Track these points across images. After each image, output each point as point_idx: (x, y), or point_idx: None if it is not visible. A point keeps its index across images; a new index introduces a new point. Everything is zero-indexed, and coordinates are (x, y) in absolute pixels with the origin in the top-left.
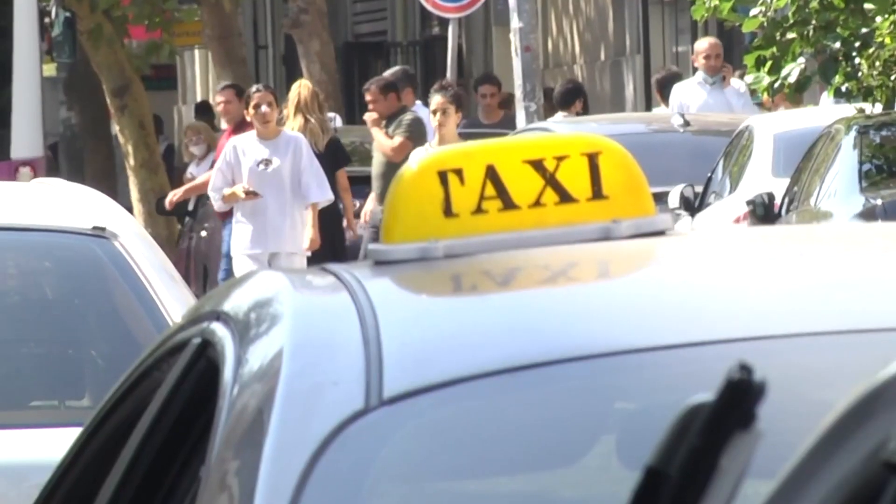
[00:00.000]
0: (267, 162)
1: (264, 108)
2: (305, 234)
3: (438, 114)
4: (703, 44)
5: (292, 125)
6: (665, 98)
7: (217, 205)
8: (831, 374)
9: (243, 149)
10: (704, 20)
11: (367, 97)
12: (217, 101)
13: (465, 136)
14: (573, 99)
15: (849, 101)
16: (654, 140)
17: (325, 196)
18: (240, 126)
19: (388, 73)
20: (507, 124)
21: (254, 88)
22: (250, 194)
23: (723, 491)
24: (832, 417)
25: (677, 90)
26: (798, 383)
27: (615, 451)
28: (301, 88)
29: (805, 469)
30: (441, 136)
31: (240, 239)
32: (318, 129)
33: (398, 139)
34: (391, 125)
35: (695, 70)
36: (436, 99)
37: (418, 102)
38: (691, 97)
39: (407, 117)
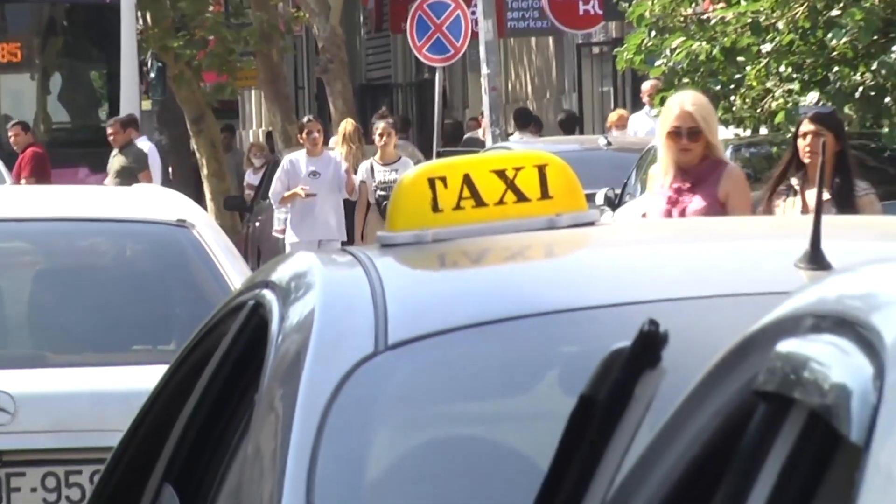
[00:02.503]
0: (315, 173)
1: (315, 134)
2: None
3: (384, 136)
4: (647, 85)
5: (341, 150)
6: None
7: (276, 206)
8: (718, 327)
9: (297, 163)
10: (623, 69)
11: (110, 129)
12: (9, 133)
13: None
14: (528, 122)
15: (726, 128)
16: (586, 155)
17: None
18: (24, 150)
19: (124, 115)
20: (477, 143)
21: (306, 119)
22: (309, 195)
23: (636, 412)
24: (717, 358)
25: (633, 119)
26: (693, 334)
27: (558, 383)
28: (347, 125)
29: (696, 397)
30: (384, 152)
31: (296, 230)
32: (358, 154)
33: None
34: (124, 151)
35: (641, 105)
36: (379, 125)
37: (144, 137)
38: (641, 125)
39: (135, 149)
